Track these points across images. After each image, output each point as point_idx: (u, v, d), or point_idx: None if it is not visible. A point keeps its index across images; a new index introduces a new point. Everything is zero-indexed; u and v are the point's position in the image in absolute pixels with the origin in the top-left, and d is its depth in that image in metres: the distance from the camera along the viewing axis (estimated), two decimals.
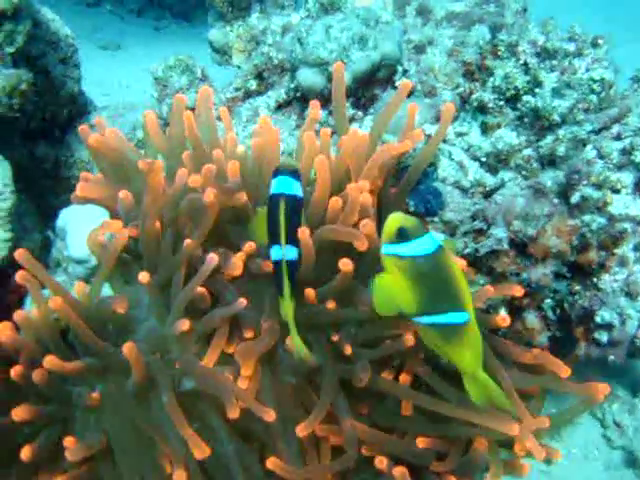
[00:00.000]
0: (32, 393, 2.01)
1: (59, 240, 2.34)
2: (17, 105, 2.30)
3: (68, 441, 1.88)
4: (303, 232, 1.88)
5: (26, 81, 2.30)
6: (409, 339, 1.94)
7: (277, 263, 1.86)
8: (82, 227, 2.25)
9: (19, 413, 1.89)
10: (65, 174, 3.00)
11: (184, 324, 1.97)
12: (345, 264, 1.90)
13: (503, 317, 2.09)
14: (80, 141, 3.01)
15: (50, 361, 1.87)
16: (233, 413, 1.82)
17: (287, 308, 1.85)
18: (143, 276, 2.01)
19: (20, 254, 1.98)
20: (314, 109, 2.32)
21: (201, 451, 1.84)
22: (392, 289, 1.74)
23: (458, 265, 1.76)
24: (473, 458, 2.08)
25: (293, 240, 1.86)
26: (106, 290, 2.22)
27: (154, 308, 2.14)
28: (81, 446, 1.90)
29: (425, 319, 1.73)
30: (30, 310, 2.10)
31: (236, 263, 2.01)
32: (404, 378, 2.07)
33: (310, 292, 1.98)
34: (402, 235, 1.70)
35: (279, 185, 1.86)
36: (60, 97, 2.93)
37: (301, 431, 1.87)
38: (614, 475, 2.62)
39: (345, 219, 2.00)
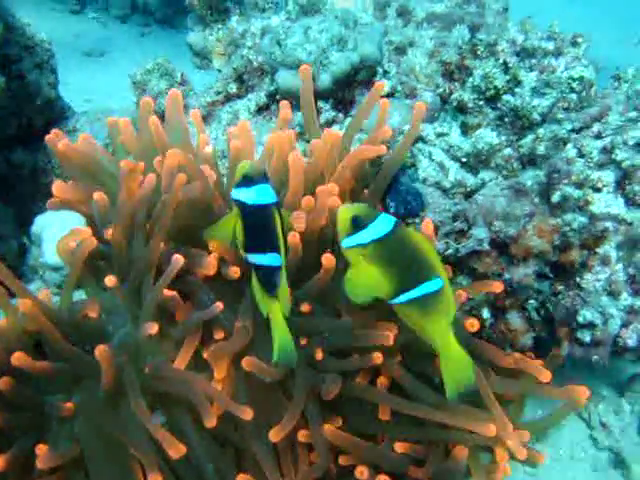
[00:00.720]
0: (4, 403, 1.96)
1: (35, 247, 2.31)
2: None
3: (40, 449, 1.86)
4: (294, 236, 1.93)
5: None
6: (377, 357, 1.94)
7: (262, 268, 1.87)
8: (57, 234, 2.22)
9: None
10: (43, 180, 2.96)
11: (152, 327, 1.93)
12: (328, 259, 1.91)
13: (472, 322, 2.07)
14: None
15: (18, 358, 1.84)
16: (210, 422, 1.81)
17: (280, 311, 1.87)
18: (109, 280, 1.99)
19: None
20: (284, 109, 2.31)
21: (176, 450, 1.80)
22: (363, 280, 1.75)
23: (420, 235, 1.77)
24: (453, 464, 2.04)
25: (277, 247, 1.86)
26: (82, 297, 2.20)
27: (128, 313, 2.11)
28: (52, 455, 1.88)
29: (402, 297, 1.73)
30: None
31: (211, 262, 1.99)
32: (382, 381, 2.05)
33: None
34: (357, 224, 1.72)
35: (263, 194, 1.84)
36: (36, 103, 2.89)
37: (274, 436, 1.85)
38: (601, 476, 2.60)
39: (312, 222, 1.99)
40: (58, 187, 2.29)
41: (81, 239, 2.06)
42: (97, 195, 2.08)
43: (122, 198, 2.03)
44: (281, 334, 1.85)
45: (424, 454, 2.06)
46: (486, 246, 2.19)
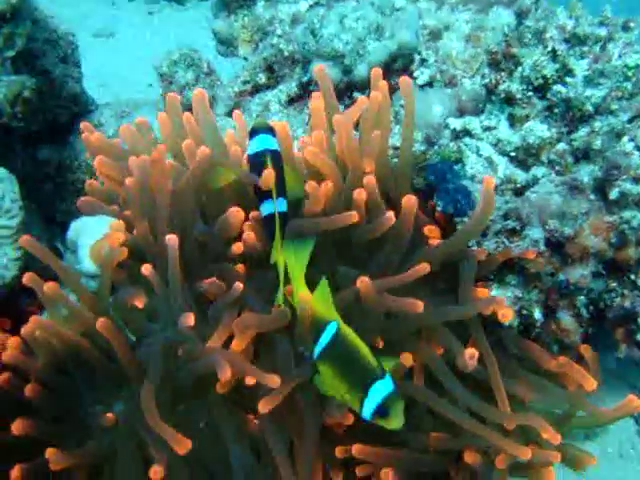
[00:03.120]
0: (45, 412, 1.97)
1: (70, 253, 2.23)
2: (20, 114, 2.17)
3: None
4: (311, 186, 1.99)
5: (29, 87, 2.18)
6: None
7: (270, 216, 1.98)
8: (94, 240, 2.14)
9: (18, 427, 1.87)
10: (70, 178, 2.87)
11: (189, 318, 1.89)
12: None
13: (504, 314, 2.07)
14: None
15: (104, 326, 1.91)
16: (224, 376, 1.77)
17: (279, 259, 1.96)
18: (145, 267, 1.96)
19: (28, 279, 1.94)
20: (315, 100, 2.23)
21: (182, 446, 1.76)
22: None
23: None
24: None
25: (283, 192, 1.97)
26: None
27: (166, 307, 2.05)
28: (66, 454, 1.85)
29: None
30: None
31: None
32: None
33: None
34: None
35: (261, 142, 1.98)
36: (61, 98, 2.79)
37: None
38: None
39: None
40: (90, 186, 2.31)
41: (111, 246, 2.02)
42: (129, 181, 2.05)
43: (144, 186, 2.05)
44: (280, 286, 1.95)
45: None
46: (542, 247, 2.10)
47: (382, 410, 1.75)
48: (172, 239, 1.93)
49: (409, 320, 2.03)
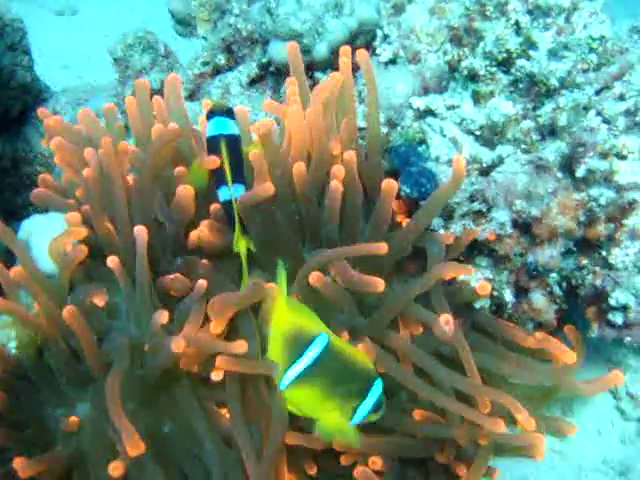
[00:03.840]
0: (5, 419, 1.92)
1: None
2: None
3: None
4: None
5: None
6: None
7: (226, 203, 1.93)
8: (48, 239, 2.07)
9: None
10: (26, 170, 2.78)
11: (163, 315, 1.85)
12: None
13: (482, 285, 2.03)
14: (40, 133, 2.79)
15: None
16: (177, 346, 1.73)
17: (240, 245, 1.94)
18: (112, 260, 1.90)
19: None
20: (291, 86, 2.14)
21: (135, 447, 1.69)
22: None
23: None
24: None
25: (240, 178, 1.91)
26: None
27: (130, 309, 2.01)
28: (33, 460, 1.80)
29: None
30: None
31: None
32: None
33: None
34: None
35: (216, 126, 1.92)
36: (11, 88, 2.68)
37: None
38: (631, 449, 2.52)
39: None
40: (44, 180, 2.25)
41: (74, 243, 1.97)
42: (86, 172, 1.98)
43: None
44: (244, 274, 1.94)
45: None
46: (509, 230, 2.05)
47: (377, 406, 1.76)
48: (140, 231, 1.87)
49: (382, 311, 1.98)
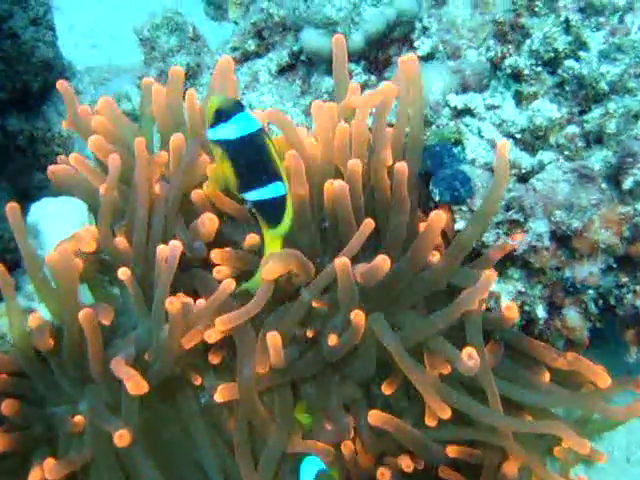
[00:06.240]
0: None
1: (31, 238, 2.06)
2: None
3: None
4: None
5: None
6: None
7: (266, 202, 1.79)
8: (57, 225, 1.99)
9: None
10: (42, 150, 2.68)
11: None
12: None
13: (508, 305, 1.92)
14: (59, 113, 2.70)
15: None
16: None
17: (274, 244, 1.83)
18: (123, 272, 1.79)
19: None
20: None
21: (139, 387, 1.64)
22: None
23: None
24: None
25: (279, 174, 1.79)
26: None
27: (139, 312, 1.91)
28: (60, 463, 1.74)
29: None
30: None
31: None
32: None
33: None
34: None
35: (244, 124, 1.75)
36: (32, 64, 2.58)
37: None
38: None
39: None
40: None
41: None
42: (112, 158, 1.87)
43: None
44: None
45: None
46: (546, 242, 1.91)
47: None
48: (175, 248, 1.71)
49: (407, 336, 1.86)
